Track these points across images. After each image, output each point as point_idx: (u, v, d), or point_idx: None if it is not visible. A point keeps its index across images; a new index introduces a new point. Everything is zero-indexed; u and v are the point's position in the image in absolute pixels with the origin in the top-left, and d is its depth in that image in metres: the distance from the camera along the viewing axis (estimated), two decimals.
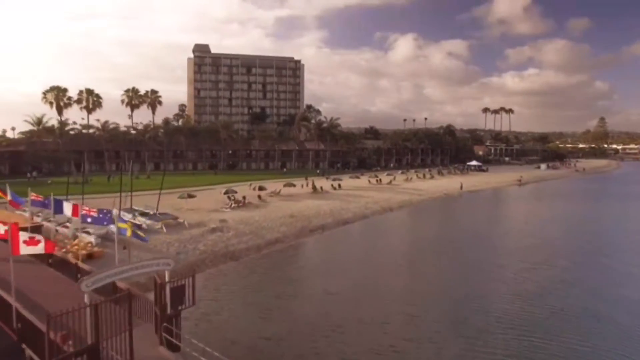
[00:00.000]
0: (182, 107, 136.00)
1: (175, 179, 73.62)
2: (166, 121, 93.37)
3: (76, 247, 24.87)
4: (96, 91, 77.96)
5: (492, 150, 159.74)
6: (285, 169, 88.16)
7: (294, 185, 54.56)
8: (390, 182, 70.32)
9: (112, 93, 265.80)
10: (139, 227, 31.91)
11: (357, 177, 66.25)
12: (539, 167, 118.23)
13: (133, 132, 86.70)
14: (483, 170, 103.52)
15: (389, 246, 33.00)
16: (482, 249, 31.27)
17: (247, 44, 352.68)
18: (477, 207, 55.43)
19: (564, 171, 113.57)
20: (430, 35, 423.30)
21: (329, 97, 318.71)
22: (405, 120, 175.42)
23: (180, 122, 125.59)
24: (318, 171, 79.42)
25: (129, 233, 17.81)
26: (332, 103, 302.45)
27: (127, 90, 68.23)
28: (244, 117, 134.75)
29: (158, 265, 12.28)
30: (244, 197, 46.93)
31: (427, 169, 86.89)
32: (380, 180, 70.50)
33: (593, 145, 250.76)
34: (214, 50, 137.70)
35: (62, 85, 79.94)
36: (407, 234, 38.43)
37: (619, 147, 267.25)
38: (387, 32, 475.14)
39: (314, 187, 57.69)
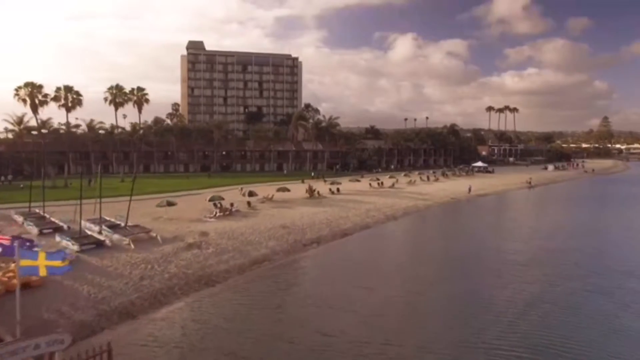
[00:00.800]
0: (175, 106, 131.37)
1: (164, 182, 69.00)
2: (156, 121, 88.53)
3: (10, 273, 20.18)
4: (75, 88, 72.75)
5: (496, 151, 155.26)
6: (285, 171, 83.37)
7: (289, 190, 49.85)
8: (392, 186, 65.66)
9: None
10: (99, 244, 27.23)
11: (357, 180, 61.62)
12: (546, 168, 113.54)
13: (104, 131, 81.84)
14: (489, 172, 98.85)
15: (394, 265, 28.26)
16: (504, 271, 26.55)
17: (247, 44, 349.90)
18: (490, 214, 50.67)
19: (573, 172, 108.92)
20: (429, 34, 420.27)
21: (329, 97, 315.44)
22: (406, 119, 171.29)
23: (173, 122, 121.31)
24: (313, 174, 74.71)
25: (42, 271, 13.01)
26: (331, 103, 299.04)
27: (110, 88, 63.35)
28: (239, 117, 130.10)
29: (39, 346, 7.57)
30: (231, 205, 42.24)
31: (431, 171, 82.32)
32: (382, 183, 65.84)
33: (597, 145, 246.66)
34: (212, 49, 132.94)
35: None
36: (415, 249, 33.57)
37: (623, 146, 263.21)
38: (387, 32, 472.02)
39: (311, 192, 53.00)
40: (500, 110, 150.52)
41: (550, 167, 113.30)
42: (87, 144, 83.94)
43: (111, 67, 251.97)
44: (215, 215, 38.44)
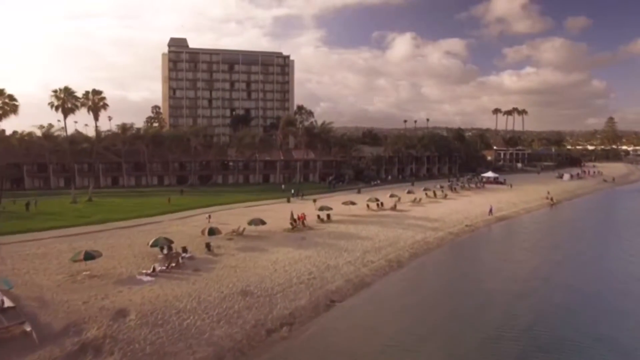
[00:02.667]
0: (155, 109, 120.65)
1: (126, 203, 57.85)
2: (123, 127, 77.97)
3: None
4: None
5: (502, 155, 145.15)
6: (284, 186, 71.54)
7: (264, 223, 39.32)
8: (394, 206, 55.26)
9: (108, 93, 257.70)
10: None
11: (352, 203, 51.16)
12: (561, 177, 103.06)
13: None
14: (500, 183, 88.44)
15: None
16: None
17: (245, 44, 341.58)
18: (521, 251, 39.83)
19: (592, 182, 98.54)
20: (428, 34, 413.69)
21: (327, 97, 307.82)
22: (405, 121, 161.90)
23: (153, 126, 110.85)
24: (293, 190, 63.64)
25: None
26: (330, 102, 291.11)
27: (56, 91, 52.16)
28: (225, 120, 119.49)
29: None
30: (183, 249, 31.80)
31: (437, 185, 71.83)
32: (382, 204, 55.45)
33: (603, 147, 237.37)
34: (196, 47, 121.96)
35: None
36: (435, 336, 22.89)
37: (630, 148, 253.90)
38: (385, 31, 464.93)
39: (293, 222, 42.56)
40: (508, 113, 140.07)
41: (566, 176, 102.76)
42: (44, 154, 73.26)
43: (109, 66, 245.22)
44: (153, 271, 27.87)
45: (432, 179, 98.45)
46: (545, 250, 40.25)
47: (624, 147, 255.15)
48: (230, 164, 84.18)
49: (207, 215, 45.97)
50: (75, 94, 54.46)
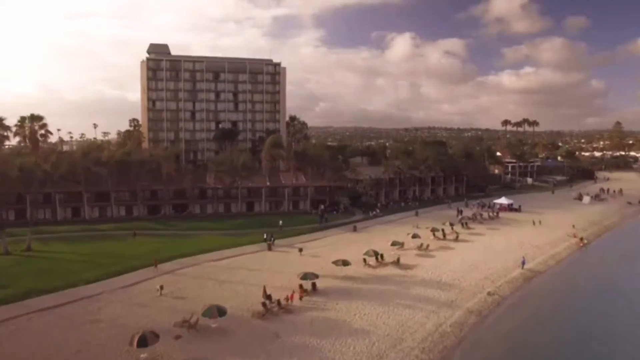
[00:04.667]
0: (134, 122, 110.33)
1: (67, 254, 45.91)
2: (84, 150, 67.76)
3: None
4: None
5: (510, 168, 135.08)
6: (281, 222, 60.95)
7: (224, 314, 29.13)
8: (397, 261, 45.11)
9: (107, 93, 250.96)
10: None
11: (345, 264, 40.86)
12: (579, 199, 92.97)
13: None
14: (515, 210, 78.29)
15: None
16: None
17: (244, 44, 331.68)
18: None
19: (616, 206, 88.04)
20: (427, 34, 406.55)
21: (326, 97, 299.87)
22: (406, 129, 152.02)
23: (129, 141, 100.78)
24: (265, 236, 52.87)
25: None
26: (329, 102, 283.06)
27: None
28: (210, 134, 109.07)
29: None
30: None
31: (447, 223, 61.42)
32: (382, 257, 45.28)
33: (612, 153, 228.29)
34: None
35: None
36: None
37: (638, 154, 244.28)
38: (384, 31, 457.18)
39: (267, 301, 32.41)
40: (518, 125, 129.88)
41: (586, 198, 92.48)
42: None
43: (107, 66, 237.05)
44: None
45: (438, 202, 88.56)
46: (577, 312, 30.07)
47: (632, 153, 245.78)
48: (209, 191, 73.89)
49: (158, 286, 35.73)
50: (4, 121, 44.26)
